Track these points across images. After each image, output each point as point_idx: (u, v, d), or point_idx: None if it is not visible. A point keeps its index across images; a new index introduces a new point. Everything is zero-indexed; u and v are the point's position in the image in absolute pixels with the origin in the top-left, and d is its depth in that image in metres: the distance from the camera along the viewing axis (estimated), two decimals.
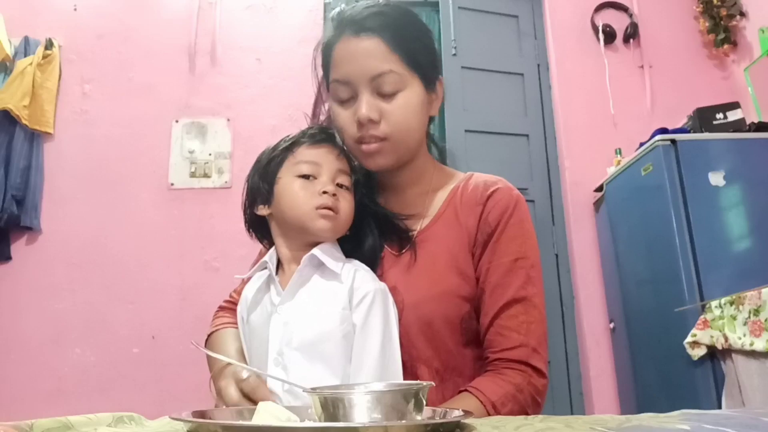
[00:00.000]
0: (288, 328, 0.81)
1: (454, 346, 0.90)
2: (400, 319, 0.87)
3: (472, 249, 0.92)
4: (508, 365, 0.85)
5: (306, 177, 0.87)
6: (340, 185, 0.88)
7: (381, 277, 0.89)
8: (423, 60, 0.92)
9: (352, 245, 0.92)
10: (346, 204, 0.88)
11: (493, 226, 0.92)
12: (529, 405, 0.84)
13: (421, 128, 0.95)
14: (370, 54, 0.88)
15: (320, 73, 0.98)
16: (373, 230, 0.95)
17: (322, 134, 0.92)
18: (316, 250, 0.84)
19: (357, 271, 0.85)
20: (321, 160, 0.88)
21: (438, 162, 1.05)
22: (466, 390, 0.83)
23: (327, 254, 0.85)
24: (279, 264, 0.90)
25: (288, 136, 0.93)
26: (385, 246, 0.96)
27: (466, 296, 0.90)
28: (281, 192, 0.88)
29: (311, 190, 0.86)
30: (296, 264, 0.85)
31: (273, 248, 0.90)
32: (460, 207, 0.95)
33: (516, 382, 0.83)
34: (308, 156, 0.88)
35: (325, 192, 0.85)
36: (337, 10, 0.94)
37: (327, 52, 0.94)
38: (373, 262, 0.92)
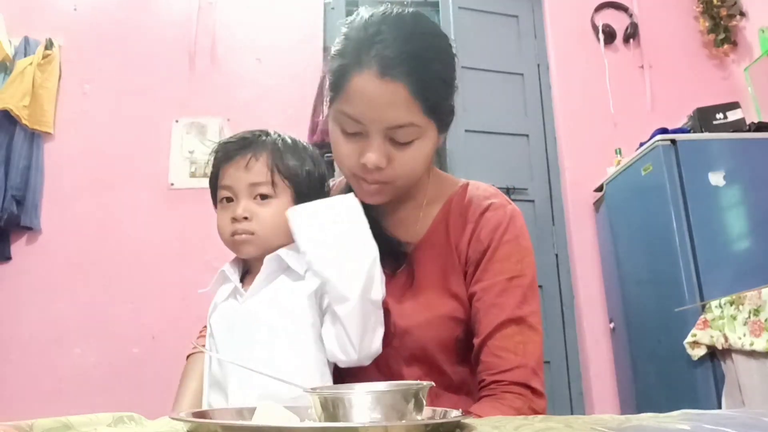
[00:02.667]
0: (253, 330, 0.81)
1: (449, 366, 0.88)
2: (391, 343, 0.85)
3: (464, 268, 0.89)
4: (506, 389, 0.81)
5: (227, 200, 0.88)
6: (261, 196, 0.86)
7: None
8: (443, 106, 0.84)
9: None
10: (263, 217, 0.85)
11: (486, 244, 0.88)
12: None
13: (427, 167, 0.91)
14: (391, 103, 0.78)
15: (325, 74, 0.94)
16: None
17: (231, 147, 0.89)
18: (281, 251, 0.84)
19: None
20: (231, 181, 0.87)
21: (434, 168, 0.99)
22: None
23: (292, 254, 0.84)
24: (248, 272, 0.91)
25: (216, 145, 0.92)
26: None
27: (460, 318, 0.88)
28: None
29: (227, 216, 0.87)
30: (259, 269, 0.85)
31: (228, 265, 0.90)
32: (452, 224, 0.92)
33: (516, 407, 0.80)
34: (223, 179, 0.88)
35: (234, 218, 0.85)
36: (364, 19, 0.82)
37: (341, 76, 0.81)
38: None
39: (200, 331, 1.06)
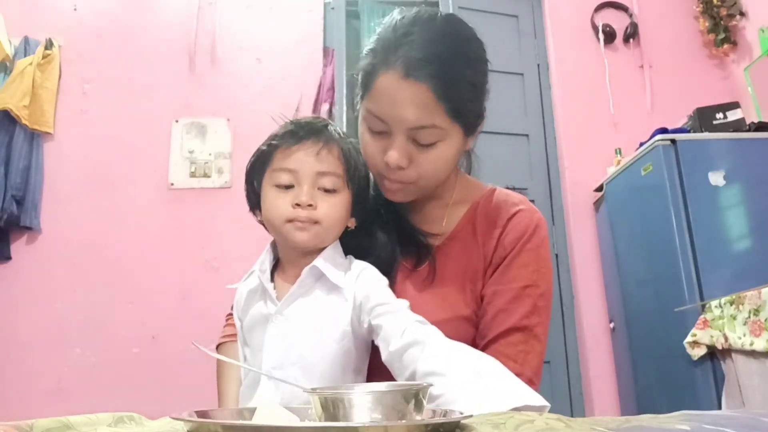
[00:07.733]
0: (286, 343, 0.80)
1: None
2: None
3: (486, 271, 0.90)
4: None
5: (284, 186, 0.82)
6: (323, 189, 0.82)
7: (392, 288, 0.85)
8: (470, 108, 0.85)
9: (365, 250, 0.90)
10: (329, 208, 0.82)
11: (508, 250, 0.89)
12: None
13: (451, 170, 0.91)
14: (414, 103, 0.79)
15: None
16: (392, 238, 0.93)
17: (300, 131, 0.83)
18: (318, 261, 0.82)
19: (360, 274, 0.82)
20: (297, 165, 0.81)
21: (461, 171, 1.01)
22: None
23: (329, 262, 0.82)
24: (278, 263, 0.89)
25: (274, 133, 0.87)
26: (400, 257, 0.94)
27: (477, 322, 0.88)
28: (262, 201, 0.85)
29: (286, 200, 0.81)
30: (295, 267, 0.84)
31: (263, 255, 0.88)
32: (479, 227, 0.93)
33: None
34: (284, 162, 0.82)
35: (298, 204, 0.80)
36: (395, 20, 0.84)
37: (369, 74, 0.84)
38: (388, 271, 0.88)
39: (226, 318, 1.07)
